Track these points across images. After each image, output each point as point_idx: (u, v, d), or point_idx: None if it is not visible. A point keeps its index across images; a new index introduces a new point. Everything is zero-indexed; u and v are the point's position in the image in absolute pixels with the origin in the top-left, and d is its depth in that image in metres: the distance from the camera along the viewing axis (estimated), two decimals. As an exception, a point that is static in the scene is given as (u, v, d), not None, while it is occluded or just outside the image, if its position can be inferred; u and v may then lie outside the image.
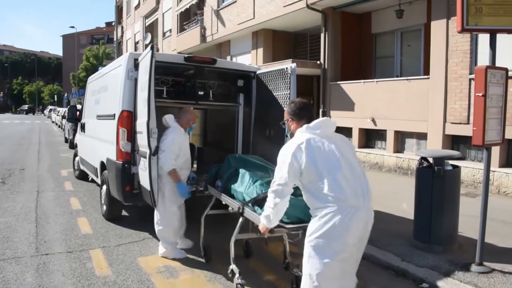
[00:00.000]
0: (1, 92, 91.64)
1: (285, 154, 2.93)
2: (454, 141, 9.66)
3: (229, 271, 4.06)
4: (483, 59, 8.43)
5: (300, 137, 2.95)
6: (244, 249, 4.95)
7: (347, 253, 2.81)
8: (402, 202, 7.36)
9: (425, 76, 10.36)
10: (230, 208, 4.29)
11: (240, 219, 4.01)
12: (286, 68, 5.60)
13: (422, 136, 10.43)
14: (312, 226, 2.85)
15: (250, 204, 3.89)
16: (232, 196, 4.31)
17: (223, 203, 4.48)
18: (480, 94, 4.22)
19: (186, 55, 6.00)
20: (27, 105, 79.61)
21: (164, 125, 4.98)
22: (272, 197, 2.98)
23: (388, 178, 10.31)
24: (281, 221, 3.24)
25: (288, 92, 5.54)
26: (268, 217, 3.07)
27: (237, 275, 3.92)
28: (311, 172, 2.83)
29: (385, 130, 11.38)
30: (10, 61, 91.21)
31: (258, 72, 6.45)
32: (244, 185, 4.20)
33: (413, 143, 10.81)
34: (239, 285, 3.86)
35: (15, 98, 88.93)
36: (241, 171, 4.41)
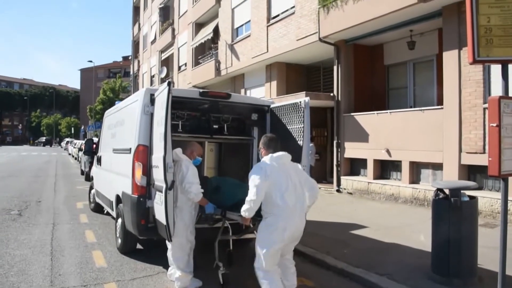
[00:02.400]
0: (20, 125, 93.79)
1: (254, 171, 4.21)
2: (471, 171, 9.55)
3: (214, 265, 5.09)
4: (496, 89, 8.44)
5: (266, 161, 4.30)
6: (227, 259, 5.51)
7: (281, 244, 4.12)
8: (420, 234, 7.24)
9: (439, 106, 10.35)
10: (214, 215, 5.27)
11: (222, 224, 5.35)
12: (300, 102, 5.67)
13: (437, 167, 10.33)
14: (262, 222, 4.21)
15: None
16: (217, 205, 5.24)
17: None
18: (494, 125, 4.20)
19: (201, 90, 6.12)
20: (44, 137, 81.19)
21: (174, 159, 5.03)
22: (254, 191, 4.07)
23: (404, 209, 10.18)
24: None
25: (302, 125, 5.59)
26: (249, 209, 4.16)
27: (221, 268, 5.01)
28: (267, 186, 4.10)
29: (400, 161, 11.31)
30: (29, 94, 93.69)
31: (272, 106, 6.52)
32: (225, 195, 5.47)
33: (429, 174, 10.71)
34: (223, 275, 4.95)
35: (34, 130, 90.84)
36: (222, 186, 5.72)
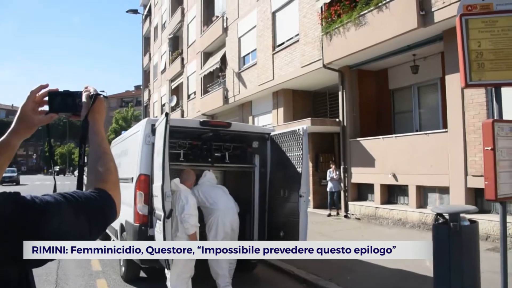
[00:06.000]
0: (34, 154, 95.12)
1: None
2: (477, 194, 9.44)
3: None
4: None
5: (199, 183, 5.86)
6: None
7: (224, 234, 5.54)
8: (425, 260, 7.15)
9: (443, 130, 10.35)
10: None
11: None
12: (298, 129, 5.77)
13: (444, 190, 10.26)
14: (207, 224, 5.67)
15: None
16: None
17: None
18: (489, 148, 4.23)
19: (201, 120, 6.26)
20: (58, 167, 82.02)
21: (173, 189, 5.11)
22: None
23: (412, 234, 10.07)
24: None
25: (301, 153, 5.66)
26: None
27: None
28: (202, 199, 5.62)
29: (407, 185, 11.25)
30: (44, 124, 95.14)
31: (272, 133, 6.61)
32: None
33: (436, 198, 10.63)
34: None
35: (47, 160, 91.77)
36: None
